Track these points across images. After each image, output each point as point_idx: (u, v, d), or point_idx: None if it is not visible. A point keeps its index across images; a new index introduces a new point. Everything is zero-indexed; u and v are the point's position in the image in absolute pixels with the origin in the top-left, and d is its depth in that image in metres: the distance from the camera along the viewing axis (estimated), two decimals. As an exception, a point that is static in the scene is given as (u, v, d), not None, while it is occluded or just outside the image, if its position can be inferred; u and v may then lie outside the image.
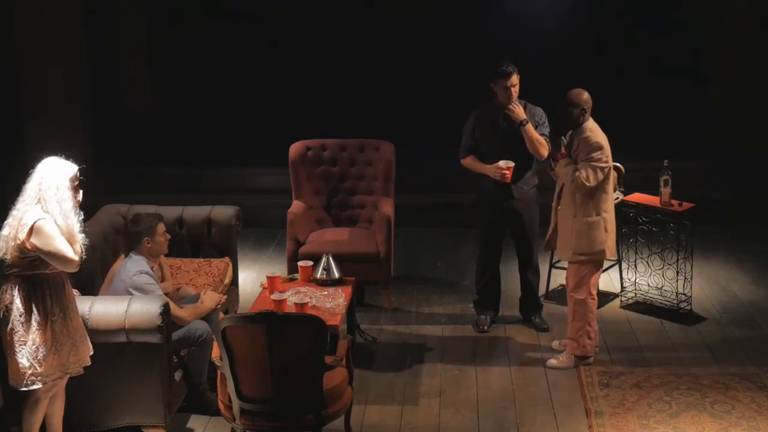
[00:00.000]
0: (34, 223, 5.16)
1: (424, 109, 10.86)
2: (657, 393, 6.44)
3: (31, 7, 9.61)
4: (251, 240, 9.50)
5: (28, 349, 5.25)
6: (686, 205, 7.56)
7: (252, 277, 8.56)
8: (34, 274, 5.25)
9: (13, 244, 5.21)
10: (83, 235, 5.31)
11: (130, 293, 5.96)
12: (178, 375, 6.07)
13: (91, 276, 6.44)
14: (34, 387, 5.30)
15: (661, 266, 7.78)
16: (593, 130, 6.65)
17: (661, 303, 7.78)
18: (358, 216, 8.30)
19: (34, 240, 5.15)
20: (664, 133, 10.87)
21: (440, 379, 6.77)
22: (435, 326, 7.62)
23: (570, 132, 6.69)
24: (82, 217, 5.35)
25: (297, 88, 11.19)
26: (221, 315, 6.32)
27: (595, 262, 6.73)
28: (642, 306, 7.85)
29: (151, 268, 6.18)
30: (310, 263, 6.91)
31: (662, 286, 7.80)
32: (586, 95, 6.68)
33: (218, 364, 5.48)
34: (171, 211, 7.22)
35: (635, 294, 7.94)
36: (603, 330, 7.44)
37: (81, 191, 5.37)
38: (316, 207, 8.27)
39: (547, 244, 7.04)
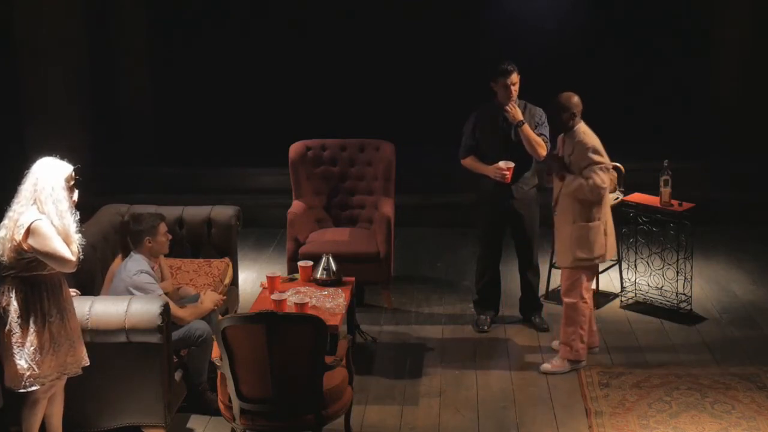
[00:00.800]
0: (31, 224, 5.14)
1: (424, 109, 10.86)
2: (657, 393, 6.44)
3: (31, 7, 9.62)
4: (251, 240, 9.50)
5: (26, 351, 5.24)
6: (686, 205, 7.56)
7: (252, 277, 8.56)
8: (31, 275, 5.24)
9: (9, 245, 5.19)
10: (80, 235, 5.29)
11: (130, 292, 5.96)
12: (178, 375, 6.07)
13: (91, 276, 6.44)
14: (33, 389, 5.30)
15: (661, 266, 7.78)
16: (586, 133, 6.64)
17: (661, 303, 7.78)
18: (358, 216, 8.30)
19: (30, 241, 5.14)
20: (664, 133, 10.88)
21: (440, 379, 6.77)
22: (435, 326, 7.62)
23: (561, 136, 6.68)
24: (78, 217, 5.32)
25: (297, 88, 11.19)
26: (219, 317, 6.31)
27: (591, 267, 6.74)
28: (642, 306, 7.85)
29: (152, 268, 6.17)
30: (310, 263, 6.91)
31: (662, 286, 7.80)
32: (576, 98, 6.66)
33: (218, 364, 5.48)
34: (171, 211, 7.22)
35: (635, 294, 7.94)
36: (603, 330, 7.44)
37: (77, 191, 5.34)
38: (316, 207, 8.27)
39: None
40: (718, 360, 6.96)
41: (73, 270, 5.30)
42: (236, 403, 5.42)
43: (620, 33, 11.19)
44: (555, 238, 6.90)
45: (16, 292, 5.24)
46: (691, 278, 7.66)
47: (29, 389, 5.30)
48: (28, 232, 5.14)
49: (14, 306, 5.24)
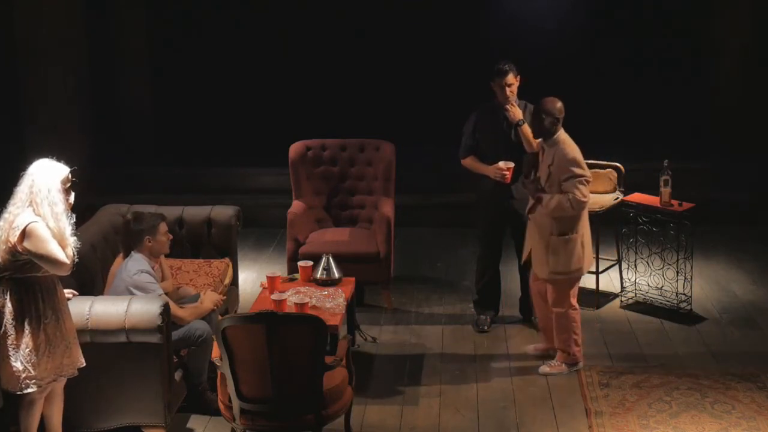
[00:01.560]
0: (26, 226, 5.12)
1: (425, 109, 10.86)
2: (657, 393, 6.44)
3: (31, 7, 9.62)
4: (251, 240, 9.50)
5: (21, 353, 5.23)
6: (686, 205, 7.56)
7: (252, 277, 8.56)
8: (25, 276, 5.22)
9: (4, 247, 5.17)
10: (75, 238, 5.27)
11: (130, 292, 5.96)
12: (178, 375, 6.07)
13: (91, 276, 6.44)
14: (29, 390, 5.29)
15: (661, 266, 7.77)
16: (566, 142, 6.55)
17: (661, 303, 7.78)
18: (358, 216, 8.30)
19: (26, 243, 5.12)
20: (664, 133, 10.88)
21: (440, 379, 6.77)
22: (435, 326, 7.62)
23: (539, 141, 6.64)
24: (74, 219, 5.30)
25: (297, 87, 11.19)
26: (219, 317, 6.31)
27: (570, 280, 6.66)
28: (642, 306, 7.85)
29: (152, 268, 6.17)
30: (310, 263, 6.91)
31: (662, 286, 7.80)
32: (560, 104, 6.57)
33: (218, 364, 5.48)
34: (171, 211, 7.22)
35: (635, 294, 7.94)
36: (603, 330, 7.45)
37: (73, 194, 5.32)
38: (316, 207, 8.27)
39: (526, 258, 6.92)
40: (718, 360, 6.95)
41: (68, 273, 5.28)
42: (236, 403, 5.42)
43: (620, 33, 11.19)
44: (526, 244, 6.83)
45: (10, 294, 5.23)
46: (691, 278, 7.66)
47: (26, 391, 5.29)
48: (24, 234, 5.12)
49: (9, 308, 5.23)
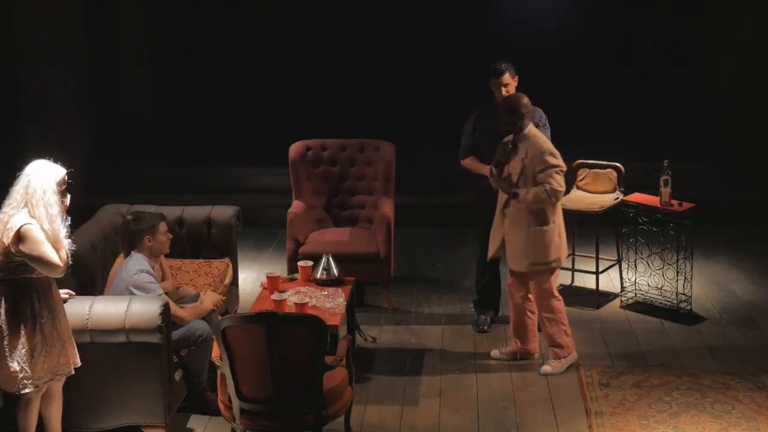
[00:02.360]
0: (20, 228, 5.10)
1: (425, 109, 10.86)
2: (657, 393, 6.44)
3: (31, 7, 9.62)
4: (251, 240, 9.50)
5: (18, 353, 5.22)
6: (686, 205, 7.56)
7: (252, 277, 8.56)
8: (20, 278, 5.21)
9: None
10: (69, 240, 5.25)
11: (130, 292, 5.96)
12: (178, 375, 6.07)
13: (91, 276, 6.44)
14: (26, 390, 5.28)
15: (661, 266, 7.77)
16: (537, 135, 6.60)
17: (661, 303, 7.78)
18: (358, 216, 8.30)
19: (19, 245, 5.10)
20: (664, 133, 10.88)
21: (440, 379, 6.77)
22: (435, 326, 7.62)
23: (510, 138, 6.61)
24: (69, 222, 5.28)
25: (297, 87, 11.19)
26: (219, 317, 6.31)
27: (549, 270, 6.68)
28: (642, 306, 7.85)
29: (152, 268, 6.17)
30: (310, 263, 6.91)
31: (662, 286, 7.80)
32: (526, 99, 6.59)
33: (218, 364, 5.48)
34: (171, 211, 7.22)
35: (635, 294, 7.94)
36: (603, 330, 7.45)
37: (68, 195, 5.30)
38: (316, 207, 8.27)
39: (495, 255, 6.89)
40: (718, 360, 6.95)
41: (62, 275, 5.26)
42: (236, 403, 5.42)
43: (620, 33, 11.19)
44: (492, 240, 6.84)
45: (5, 295, 5.22)
46: (691, 278, 7.66)
47: (23, 391, 5.28)
48: (17, 235, 5.10)
49: (4, 309, 5.21)
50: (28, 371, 5.24)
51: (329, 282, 6.79)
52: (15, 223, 5.12)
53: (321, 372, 5.37)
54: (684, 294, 7.64)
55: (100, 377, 5.71)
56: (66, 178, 5.29)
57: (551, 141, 7.07)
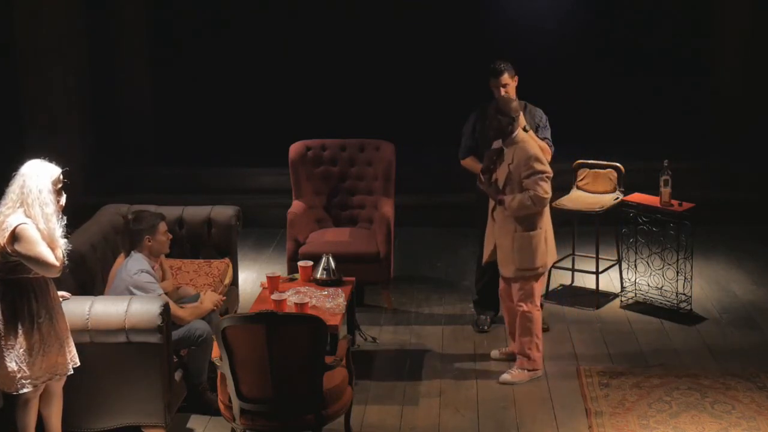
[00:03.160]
0: (16, 227, 5.10)
1: (425, 109, 10.86)
2: (657, 393, 6.44)
3: (31, 7, 9.62)
4: (251, 240, 9.50)
5: (16, 353, 5.22)
6: (686, 205, 7.56)
7: (252, 277, 8.56)
8: (17, 277, 5.21)
9: None
10: (65, 240, 5.25)
11: (130, 292, 5.96)
12: (178, 375, 6.07)
13: (91, 276, 6.44)
14: (24, 390, 5.28)
15: (661, 266, 7.77)
16: (526, 140, 6.51)
17: (661, 303, 7.78)
18: (358, 216, 8.30)
19: (15, 245, 5.10)
20: (664, 133, 10.88)
21: (440, 379, 6.77)
22: (435, 326, 7.62)
23: (498, 142, 6.57)
24: (65, 221, 5.27)
25: (297, 87, 11.18)
26: (219, 317, 6.31)
27: (535, 276, 6.62)
28: (642, 306, 7.85)
29: (152, 267, 6.17)
30: (310, 263, 6.91)
31: (662, 286, 7.80)
32: (515, 103, 6.54)
33: (218, 364, 5.48)
34: (171, 211, 7.21)
35: (635, 294, 7.94)
36: (603, 330, 7.45)
37: (64, 195, 5.30)
38: (316, 207, 8.27)
39: (489, 260, 6.87)
40: (718, 360, 6.95)
41: (58, 275, 5.26)
42: (236, 403, 5.42)
43: (620, 33, 11.19)
44: (486, 245, 6.83)
45: (3, 295, 5.22)
46: (691, 278, 7.66)
47: (21, 391, 5.28)
48: (13, 235, 5.10)
49: (1, 308, 5.21)
50: (26, 371, 5.24)
51: (329, 282, 6.79)
52: (11, 223, 5.12)
53: (321, 372, 5.37)
54: (684, 294, 7.64)
55: (100, 377, 5.71)
56: (61, 177, 5.28)
57: (551, 141, 7.10)
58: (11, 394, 5.36)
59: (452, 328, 7.57)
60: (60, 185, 5.27)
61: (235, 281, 7.44)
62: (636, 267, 7.90)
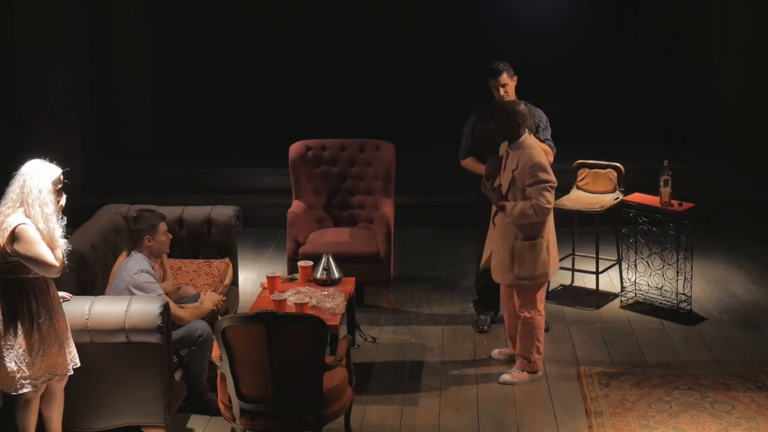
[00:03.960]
0: (15, 227, 5.10)
1: (425, 110, 10.86)
2: (657, 393, 6.44)
3: (31, 7, 9.62)
4: (251, 240, 9.50)
5: (15, 353, 5.22)
6: (686, 205, 7.56)
7: (252, 277, 8.56)
8: (17, 277, 5.20)
9: None
10: (65, 240, 5.24)
11: (130, 292, 5.96)
12: (178, 375, 6.07)
13: (92, 276, 6.44)
14: (24, 390, 5.28)
15: (661, 266, 7.77)
16: (532, 146, 6.42)
17: (661, 303, 7.78)
18: (358, 216, 8.30)
19: (15, 246, 5.10)
20: (664, 133, 10.88)
21: (440, 379, 6.77)
22: (435, 326, 7.62)
23: (504, 146, 6.52)
24: (65, 222, 5.27)
25: (297, 87, 11.19)
26: (219, 317, 6.31)
27: (534, 286, 6.57)
28: (642, 306, 7.85)
29: (152, 267, 6.17)
30: (310, 263, 6.91)
31: (662, 286, 7.80)
32: (523, 106, 6.46)
33: (218, 364, 5.48)
34: (171, 211, 7.22)
35: (635, 294, 7.94)
36: (603, 330, 7.45)
37: (64, 195, 5.29)
38: (316, 207, 8.27)
39: (485, 264, 6.84)
40: (718, 360, 6.96)
41: (57, 275, 5.25)
42: (236, 403, 5.42)
43: (620, 33, 11.19)
44: (485, 249, 6.80)
45: (2, 295, 5.21)
46: (691, 278, 7.66)
47: (20, 391, 5.28)
48: (13, 235, 5.10)
49: (1, 308, 5.21)
50: (26, 371, 5.24)
51: (329, 282, 6.79)
52: (10, 223, 5.12)
53: (321, 372, 5.37)
54: (684, 294, 7.65)
55: (100, 377, 5.71)
56: (62, 177, 5.28)
57: (552, 141, 7.09)
58: (11, 395, 5.36)
59: (452, 328, 7.57)
60: (60, 185, 5.26)
61: (235, 281, 7.44)
62: (636, 267, 7.90)
